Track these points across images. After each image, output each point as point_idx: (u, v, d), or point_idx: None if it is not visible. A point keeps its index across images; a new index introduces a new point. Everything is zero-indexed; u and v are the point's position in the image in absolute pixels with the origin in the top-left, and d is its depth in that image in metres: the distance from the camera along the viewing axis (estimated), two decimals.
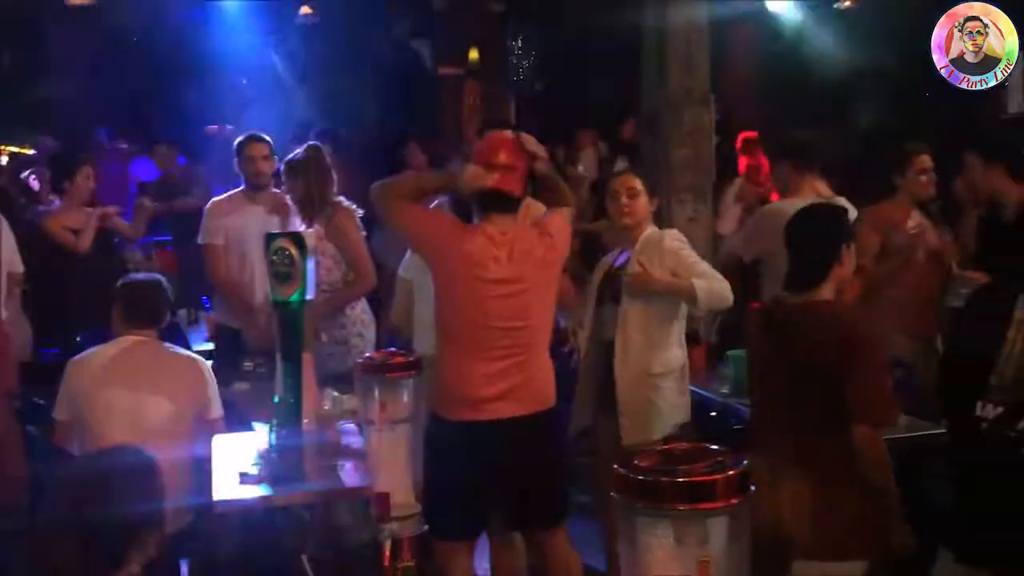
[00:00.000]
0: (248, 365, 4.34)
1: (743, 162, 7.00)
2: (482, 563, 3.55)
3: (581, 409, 3.83)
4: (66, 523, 2.82)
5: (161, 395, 3.52)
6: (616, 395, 3.64)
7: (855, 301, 3.31)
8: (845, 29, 9.24)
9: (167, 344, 3.77)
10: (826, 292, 2.80)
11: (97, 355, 3.62)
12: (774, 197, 5.05)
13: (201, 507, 3.39)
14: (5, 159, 9.26)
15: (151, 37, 9.11)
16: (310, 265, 3.08)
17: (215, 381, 3.71)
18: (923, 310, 4.30)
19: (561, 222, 3.24)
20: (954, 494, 2.63)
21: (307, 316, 3.13)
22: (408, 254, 3.88)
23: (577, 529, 3.45)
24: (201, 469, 3.42)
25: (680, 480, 1.70)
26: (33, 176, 6.92)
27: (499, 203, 3.12)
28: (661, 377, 3.66)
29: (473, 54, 9.91)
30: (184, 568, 3.63)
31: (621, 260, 3.77)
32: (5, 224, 4.57)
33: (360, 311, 4.64)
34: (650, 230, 3.73)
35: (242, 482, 3.02)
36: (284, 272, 3.07)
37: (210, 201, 5.08)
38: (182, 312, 6.71)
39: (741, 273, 4.59)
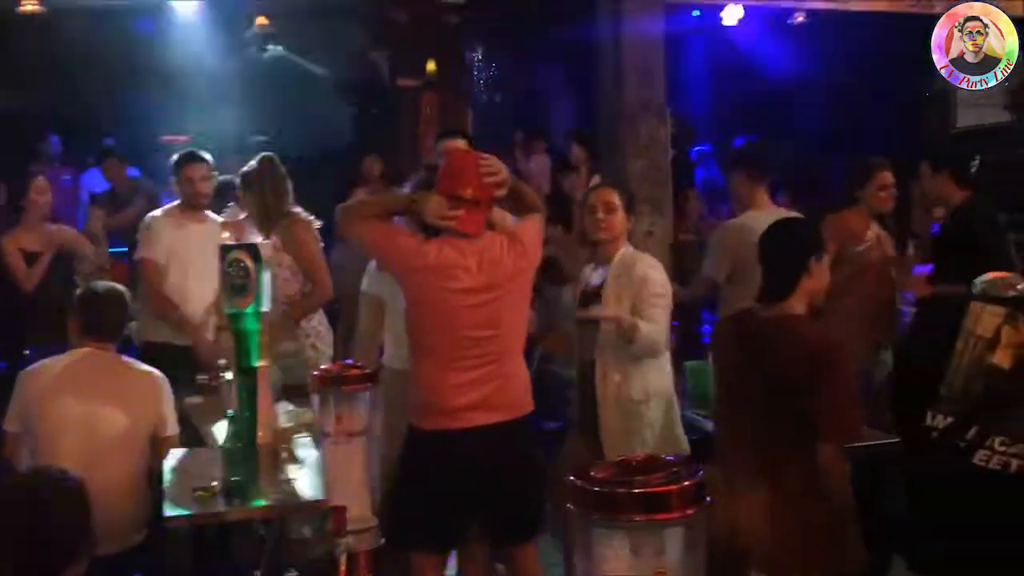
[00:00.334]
0: (203, 378, 4.29)
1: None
2: None
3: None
4: None
5: (116, 408, 3.44)
6: (599, 416, 3.60)
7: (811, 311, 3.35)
8: (797, 44, 9.38)
9: (124, 357, 3.69)
10: (797, 306, 2.83)
11: (51, 365, 3.52)
12: None
13: (154, 523, 3.33)
14: None
15: (103, 46, 8.98)
16: (265, 277, 3.05)
17: (172, 398, 3.64)
18: (876, 319, 4.37)
19: (533, 229, 3.25)
20: (906, 502, 2.67)
21: (262, 328, 3.10)
22: (371, 267, 3.85)
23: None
24: (154, 484, 3.36)
25: (636, 491, 1.70)
26: None
27: (462, 236, 3.13)
28: (643, 404, 3.59)
29: (431, 65, 9.91)
30: None
31: (596, 280, 3.72)
32: None
33: (316, 323, 4.61)
34: (625, 249, 3.69)
35: (195, 497, 2.98)
36: (239, 284, 3.04)
37: (147, 216, 4.98)
38: (133, 324, 6.60)
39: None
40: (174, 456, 3.41)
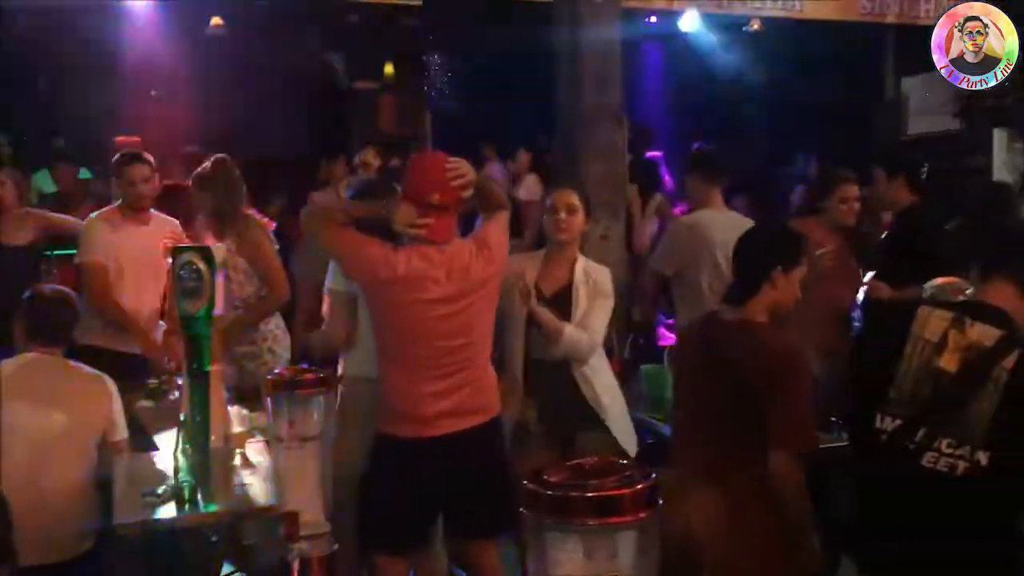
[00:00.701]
0: (152, 382, 4.23)
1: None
2: None
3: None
4: None
5: (63, 412, 3.38)
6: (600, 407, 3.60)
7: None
8: (753, 51, 9.50)
9: (72, 361, 3.62)
10: (758, 313, 2.85)
11: None
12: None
13: (103, 530, 3.28)
14: None
15: (55, 44, 8.84)
16: (218, 280, 3.03)
17: (121, 402, 3.59)
18: (832, 327, 4.42)
19: (498, 232, 3.23)
20: (855, 505, 2.70)
21: (214, 331, 3.07)
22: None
23: None
24: (103, 490, 3.31)
25: (589, 495, 1.70)
26: None
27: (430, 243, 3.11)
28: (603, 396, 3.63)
29: (388, 68, 9.88)
30: None
31: (532, 277, 3.68)
32: None
33: (273, 326, 4.56)
34: (583, 262, 3.69)
35: (146, 503, 2.94)
36: (191, 287, 3.01)
37: (87, 219, 4.87)
38: None
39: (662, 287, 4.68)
40: (123, 461, 3.36)
